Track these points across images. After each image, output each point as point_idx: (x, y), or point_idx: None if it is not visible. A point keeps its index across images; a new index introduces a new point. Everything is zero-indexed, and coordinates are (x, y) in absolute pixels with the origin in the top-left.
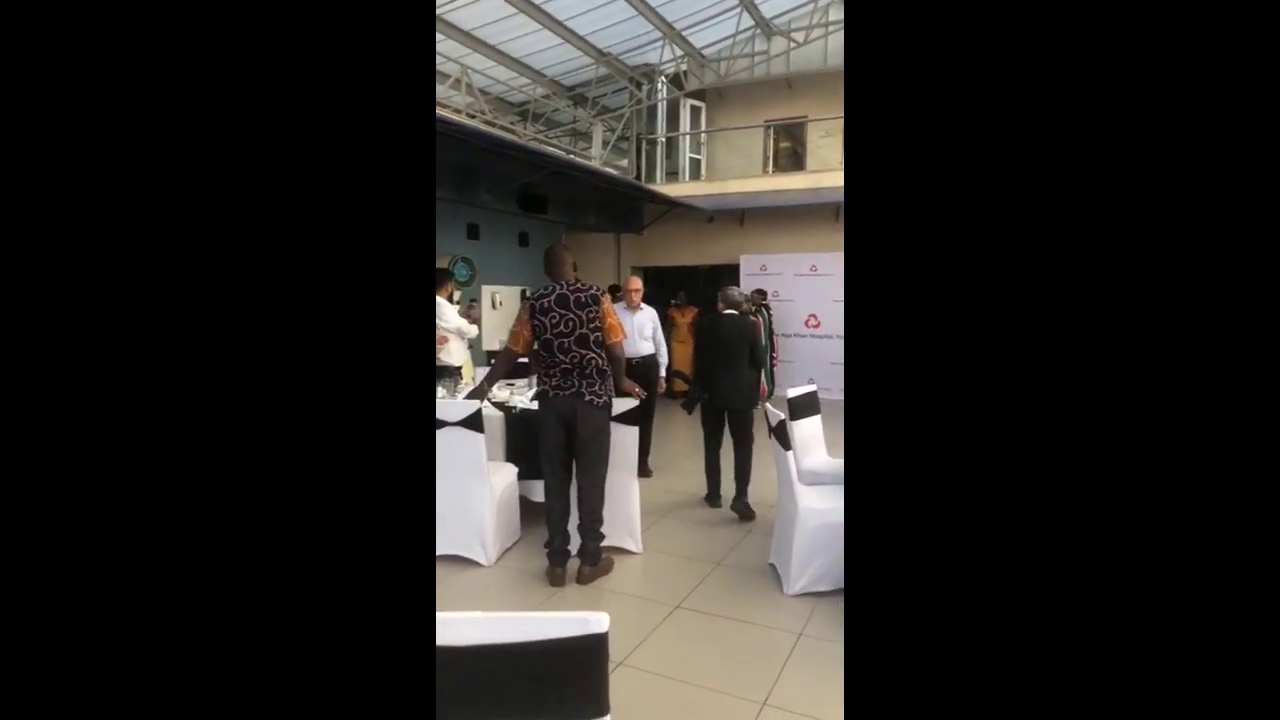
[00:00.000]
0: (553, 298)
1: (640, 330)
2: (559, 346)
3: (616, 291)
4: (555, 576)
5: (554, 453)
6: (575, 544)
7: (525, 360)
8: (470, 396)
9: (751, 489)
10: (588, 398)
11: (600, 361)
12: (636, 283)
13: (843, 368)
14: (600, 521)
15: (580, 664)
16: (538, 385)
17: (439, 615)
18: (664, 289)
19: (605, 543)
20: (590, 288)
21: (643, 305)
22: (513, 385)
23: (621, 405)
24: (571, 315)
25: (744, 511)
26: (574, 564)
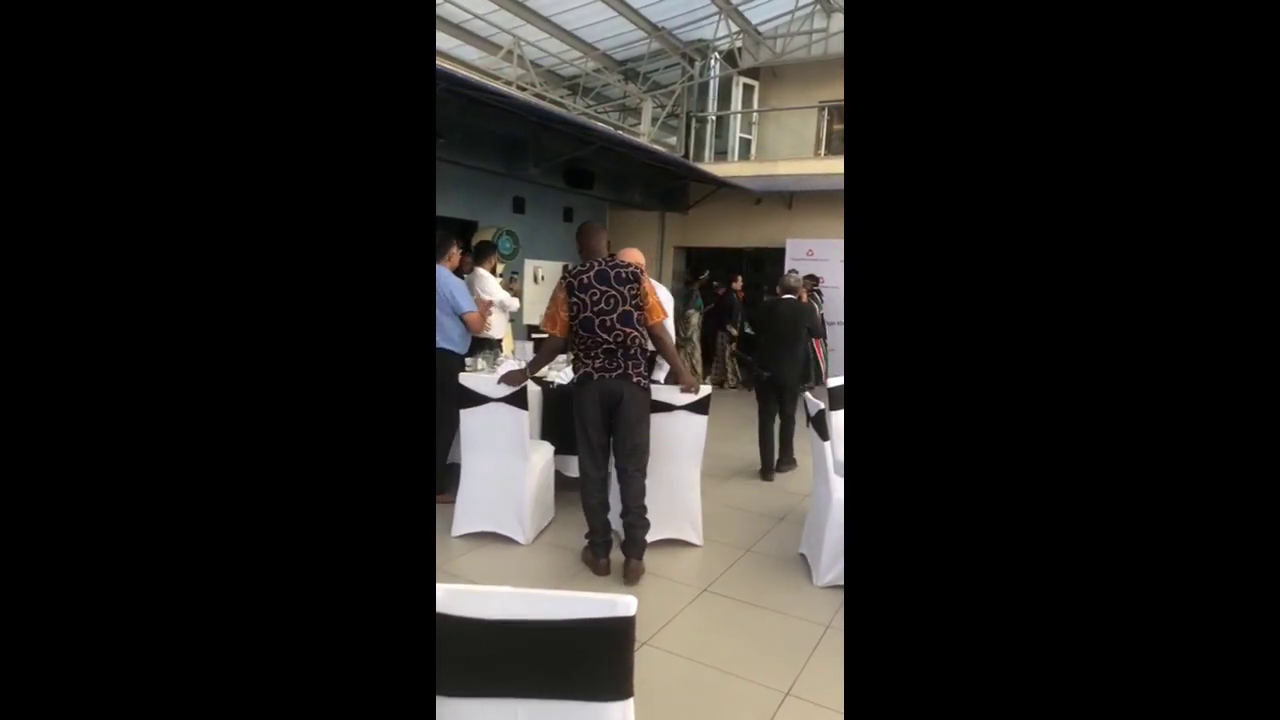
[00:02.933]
0: (592, 274)
1: None
2: (601, 324)
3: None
4: (601, 566)
5: (596, 439)
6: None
7: (488, 334)
8: (505, 380)
9: (786, 478)
10: (635, 379)
11: (643, 341)
12: (636, 254)
13: None
14: (645, 509)
15: (606, 645)
16: (577, 367)
17: (470, 588)
18: (708, 270)
19: (667, 535)
20: (628, 264)
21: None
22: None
23: (690, 393)
24: (613, 291)
25: (789, 464)
26: (666, 553)
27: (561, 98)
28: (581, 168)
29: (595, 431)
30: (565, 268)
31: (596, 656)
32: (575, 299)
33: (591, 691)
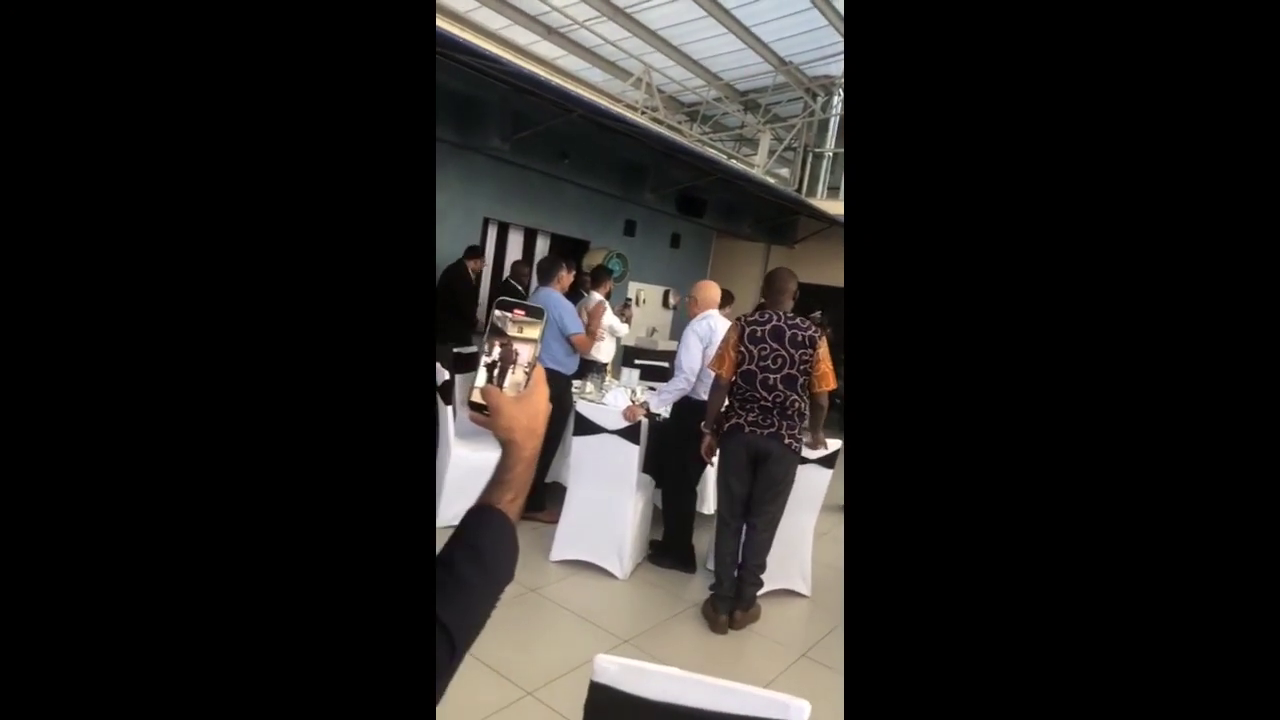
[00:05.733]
0: (768, 328)
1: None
2: (763, 382)
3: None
4: (720, 624)
5: (737, 491)
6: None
7: (596, 358)
8: (626, 416)
9: None
10: (786, 440)
11: (801, 405)
12: (714, 289)
13: None
14: (764, 568)
15: None
16: (730, 415)
17: (637, 664)
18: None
19: (778, 585)
20: (809, 326)
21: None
22: (612, 382)
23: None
24: (784, 353)
25: None
26: (768, 610)
27: (679, 123)
28: (694, 195)
29: (738, 483)
30: (666, 294)
31: None
32: (744, 349)
33: None
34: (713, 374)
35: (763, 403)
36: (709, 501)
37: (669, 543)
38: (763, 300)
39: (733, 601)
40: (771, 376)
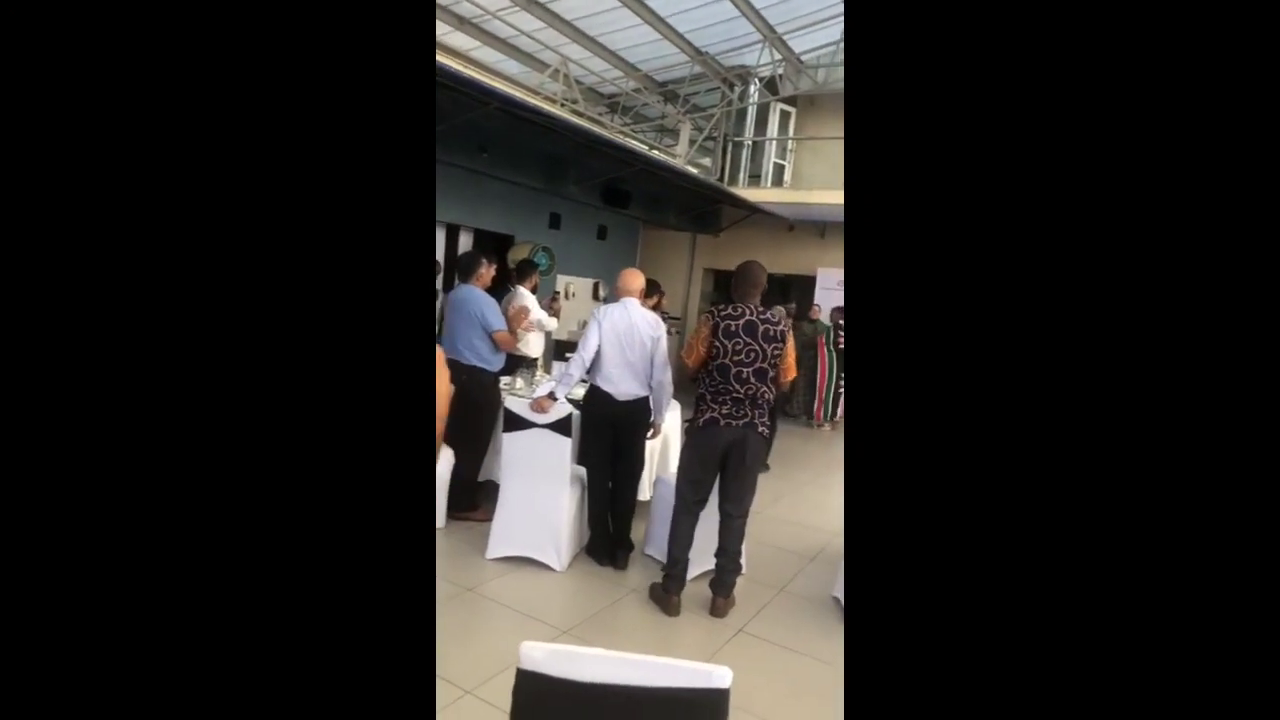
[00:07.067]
0: (741, 323)
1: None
2: (736, 375)
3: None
4: (673, 605)
5: (703, 479)
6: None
7: (525, 353)
8: (534, 408)
9: (816, 515)
10: (760, 429)
11: (770, 395)
12: (638, 277)
13: None
14: (741, 553)
15: (699, 717)
16: (702, 408)
17: (563, 648)
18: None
19: (709, 567)
20: (779, 320)
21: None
22: (535, 376)
23: None
24: (757, 347)
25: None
26: (698, 591)
27: (600, 114)
28: (619, 187)
29: (704, 474)
30: (596, 286)
31: None
32: (719, 343)
33: None
34: (683, 362)
35: (735, 395)
36: (646, 489)
37: (620, 536)
38: (734, 293)
39: (684, 582)
40: (745, 370)
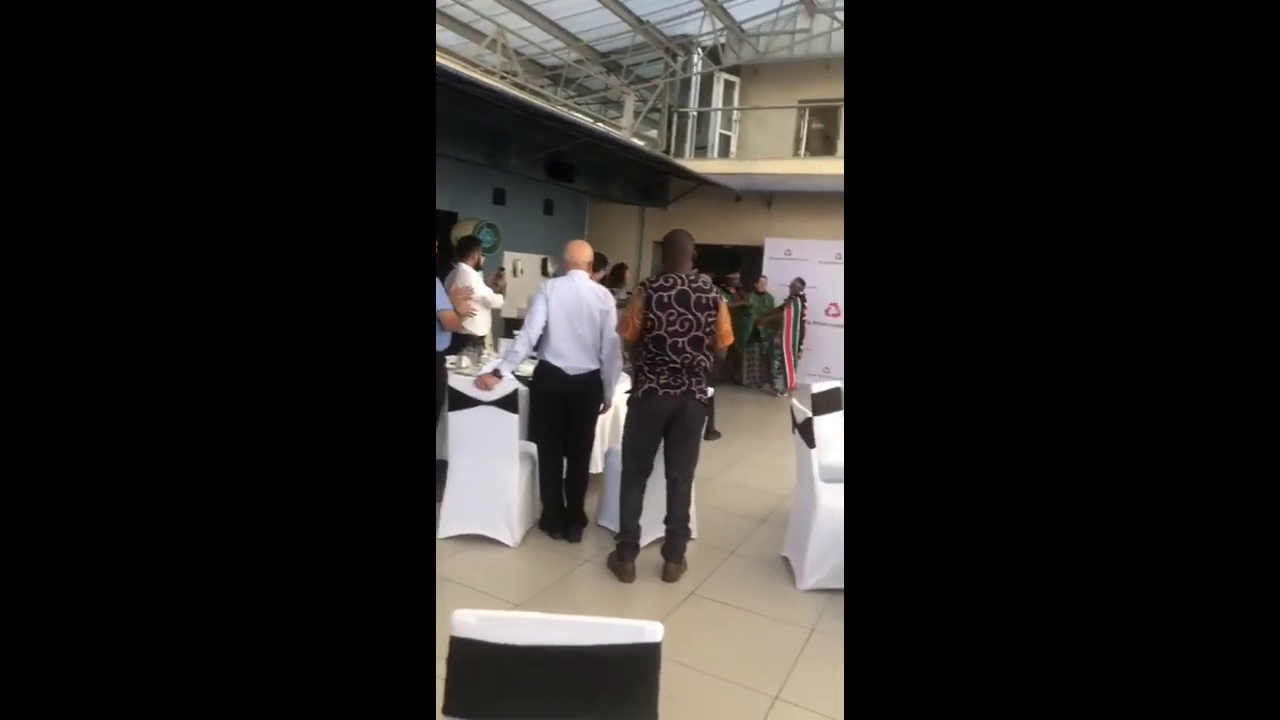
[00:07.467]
0: (673, 293)
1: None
2: (672, 346)
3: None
4: (628, 572)
5: (647, 447)
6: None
7: (471, 331)
8: (478, 385)
9: (766, 480)
10: (697, 395)
11: (707, 363)
12: (585, 250)
13: None
14: (689, 518)
15: (634, 670)
16: (640, 379)
17: (502, 614)
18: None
19: (660, 534)
20: (710, 288)
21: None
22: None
23: None
24: (690, 316)
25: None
26: (651, 558)
27: (542, 88)
28: (564, 160)
29: (647, 444)
30: (544, 262)
31: (624, 682)
32: (652, 315)
33: (619, 715)
34: (620, 337)
35: (672, 365)
36: (598, 462)
37: (573, 510)
38: (665, 264)
39: (637, 550)
40: (680, 340)
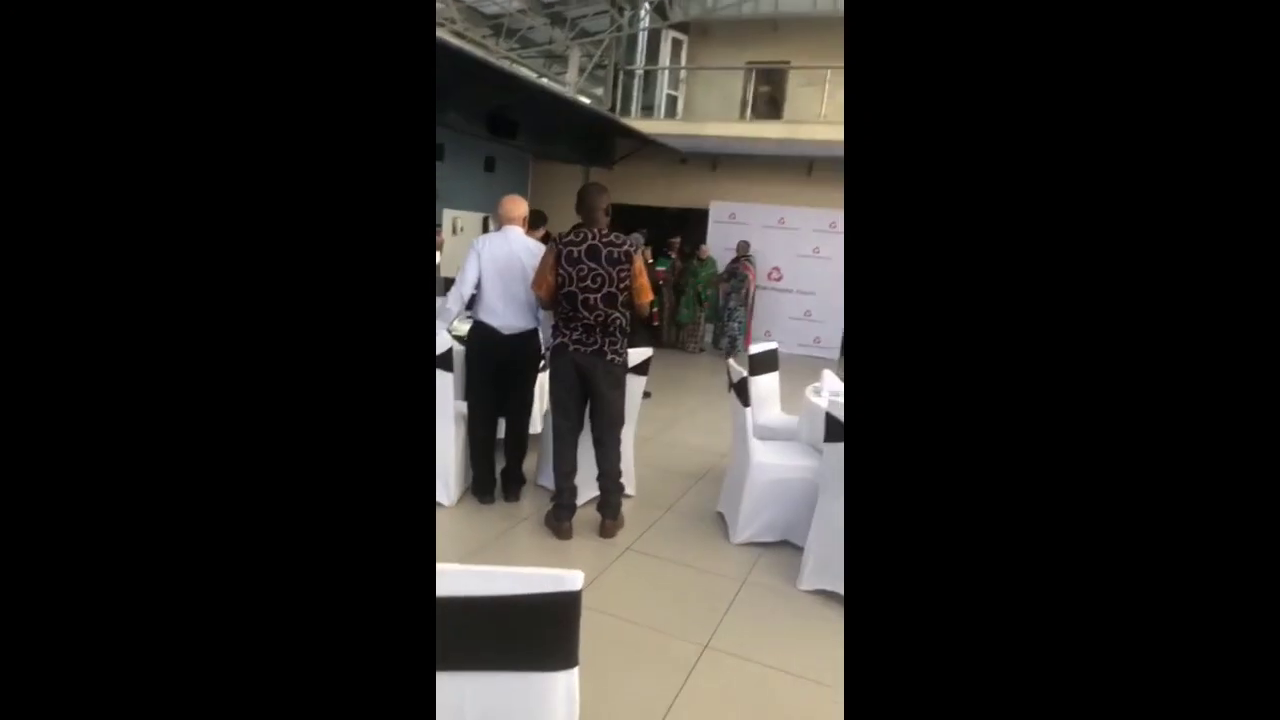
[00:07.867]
0: (583, 248)
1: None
2: (584, 302)
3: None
4: (565, 530)
5: (570, 406)
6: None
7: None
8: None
9: (705, 439)
10: (609, 356)
11: (624, 321)
12: (520, 204)
13: (801, 323)
14: (621, 474)
15: (555, 618)
16: (556, 334)
17: None
18: (632, 228)
19: (598, 492)
20: (623, 242)
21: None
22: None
23: (636, 356)
24: (601, 271)
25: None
26: (590, 516)
27: (483, 38)
28: (506, 116)
29: (569, 398)
30: (485, 220)
31: (546, 629)
32: (563, 271)
33: (540, 663)
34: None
35: (585, 321)
36: (538, 422)
37: (512, 470)
38: (579, 216)
39: (574, 509)
40: (592, 296)
